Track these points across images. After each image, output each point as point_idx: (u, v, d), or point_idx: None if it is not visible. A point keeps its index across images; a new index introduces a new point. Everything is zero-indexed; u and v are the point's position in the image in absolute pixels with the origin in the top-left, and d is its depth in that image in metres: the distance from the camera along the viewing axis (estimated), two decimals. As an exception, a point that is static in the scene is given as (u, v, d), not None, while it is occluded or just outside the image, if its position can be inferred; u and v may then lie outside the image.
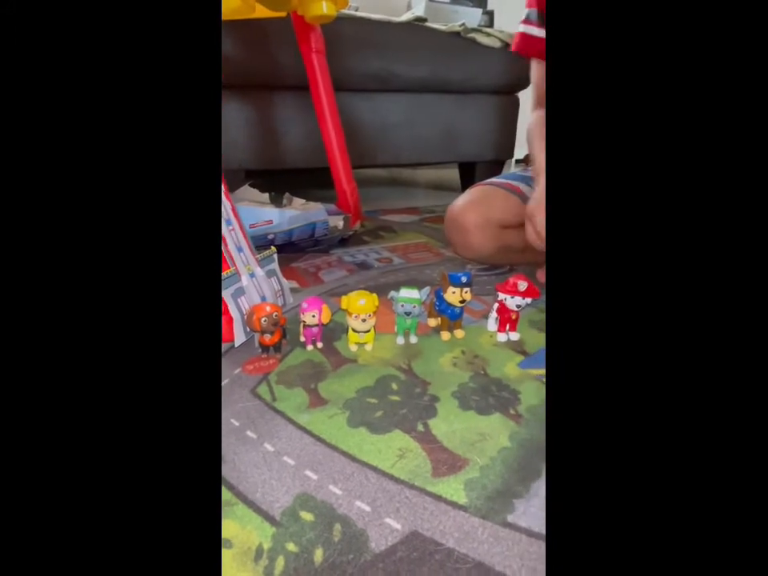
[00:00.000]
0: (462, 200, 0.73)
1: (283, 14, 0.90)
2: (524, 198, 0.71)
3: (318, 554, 0.27)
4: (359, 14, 1.28)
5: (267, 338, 0.49)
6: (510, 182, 0.75)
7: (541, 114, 0.71)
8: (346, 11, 1.22)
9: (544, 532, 0.29)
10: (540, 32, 0.69)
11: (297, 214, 0.86)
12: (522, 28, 0.71)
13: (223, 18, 0.94)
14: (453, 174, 1.74)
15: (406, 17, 1.34)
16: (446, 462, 0.35)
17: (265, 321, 0.47)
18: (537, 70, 0.73)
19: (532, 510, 0.30)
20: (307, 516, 0.30)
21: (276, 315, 0.47)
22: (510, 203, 0.72)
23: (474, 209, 0.71)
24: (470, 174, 1.58)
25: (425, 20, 1.33)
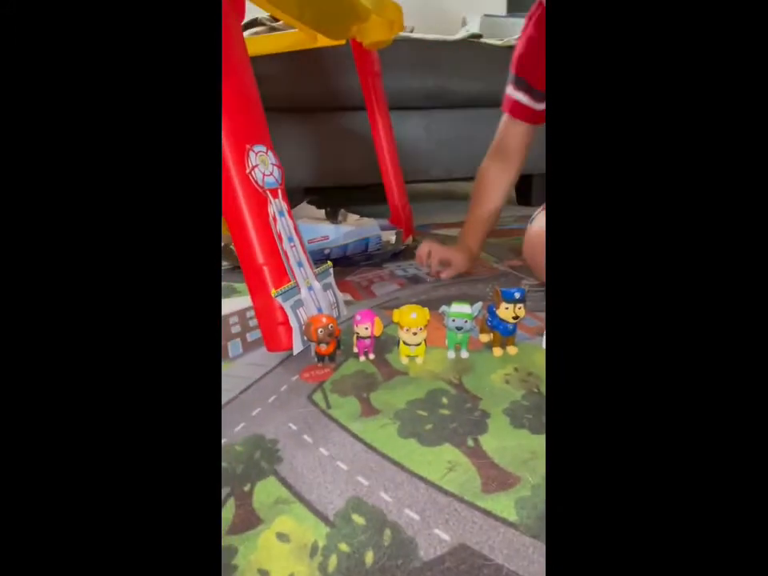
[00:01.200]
0: (543, 222, 0.72)
1: (343, 42, 0.96)
2: None
3: (369, 556, 0.28)
4: (414, 35, 1.32)
5: (323, 347, 0.51)
6: None
7: (490, 165, 0.80)
8: (401, 33, 1.26)
9: (598, 558, 0.28)
10: (521, 97, 0.73)
11: (351, 229, 0.90)
12: (507, 90, 0.76)
13: (287, 49, 1.02)
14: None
15: (461, 34, 1.36)
16: (497, 478, 0.35)
17: (321, 331, 0.50)
18: (507, 126, 0.78)
19: (586, 534, 0.29)
20: (359, 519, 0.31)
21: (331, 326, 0.50)
22: None
23: None
24: (526, 187, 1.55)
25: (480, 36, 1.35)
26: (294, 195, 1.22)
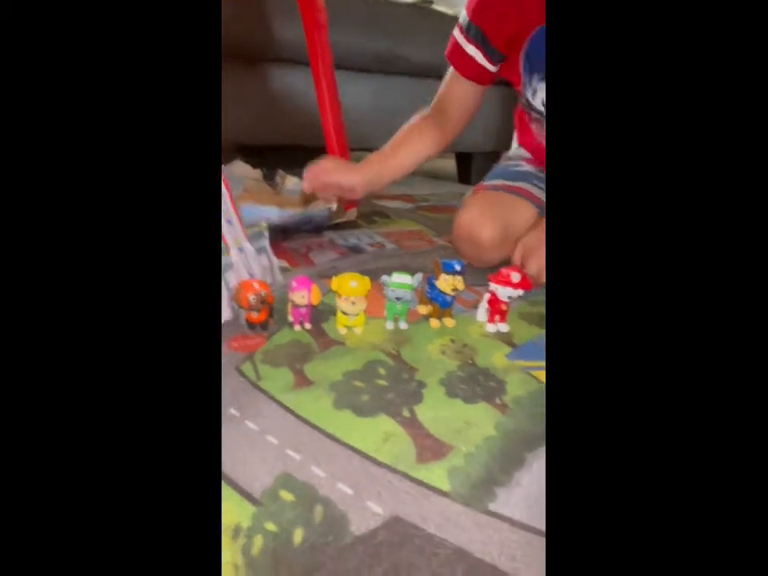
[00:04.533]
0: (474, 210, 0.66)
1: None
2: (539, 205, 0.68)
3: (298, 535, 0.27)
4: (365, -10, 1.24)
5: (254, 315, 0.47)
6: (518, 185, 0.69)
7: (422, 119, 0.67)
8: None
9: (525, 521, 0.29)
10: (473, 51, 0.61)
11: (297, 214, 0.83)
12: (456, 34, 0.62)
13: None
14: (450, 164, 1.72)
15: (412, -3, 1.31)
16: (431, 448, 0.35)
17: (252, 298, 0.46)
18: (452, 81, 0.65)
19: (514, 500, 0.30)
20: (288, 496, 0.29)
21: (264, 293, 0.46)
22: (529, 215, 0.66)
23: (490, 223, 0.63)
24: (466, 165, 1.56)
25: (431, 2, 1.30)
26: (226, 152, 1.12)
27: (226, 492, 0.29)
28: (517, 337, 0.53)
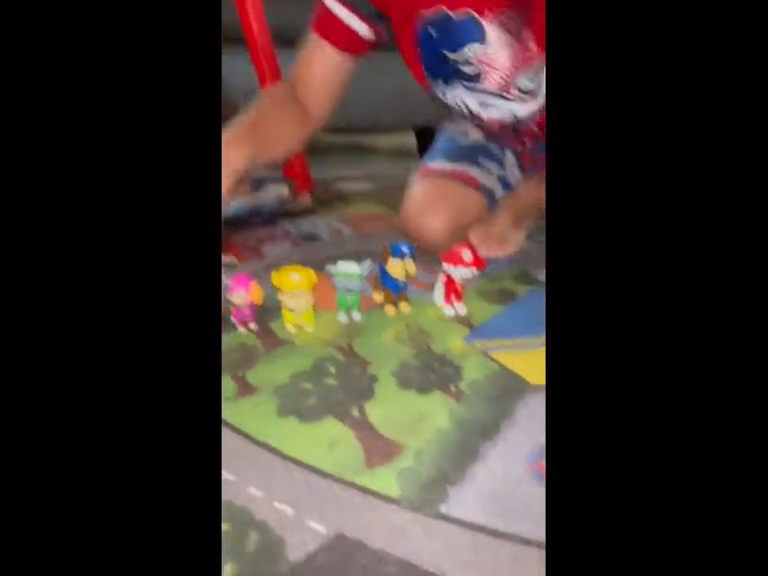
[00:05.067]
0: (420, 199, 0.61)
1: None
2: (487, 194, 0.63)
3: (228, 570, 0.24)
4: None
5: None
6: (463, 169, 0.63)
7: (276, 88, 0.56)
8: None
9: (476, 521, 0.27)
10: (344, 12, 0.50)
11: (244, 203, 0.78)
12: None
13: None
14: (410, 140, 1.67)
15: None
16: (380, 450, 0.32)
17: None
18: (312, 49, 0.53)
19: (466, 498, 0.28)
20: (222, 526, 0.27)
21: None
22: (477, 207, 0.62)
23: (438, 216, 0.58)
24: (428, 139, 1.52)
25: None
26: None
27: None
28: (475, 317, 0.51)
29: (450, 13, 0.48)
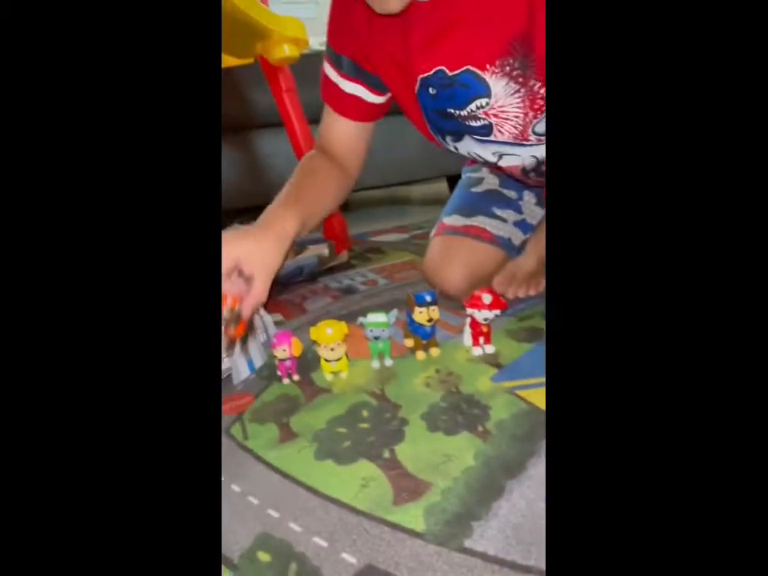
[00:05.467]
0: (436, 256, 0.64)
1: (251, 60, 0.95)
2: (503, 243, 0.64)
3: (271, 596, 0.27)
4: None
5: (231, 330, 0.46)
6: (476, 224, 0.65)
7: (311, 156, 0.58)
8: (316, 47, 1.27)
9: (500, 554, 0.28)
10: (349, 86, 0.52)
11: (287, 265, 0.86)
12: (327, 70, 0.54)
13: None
14: (443, 188, 1.75)
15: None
16: (408, 488, 0.34)
17: (227, 313, 0.45)
18: (327, 119, 0.57)
19: (490, 533, 0.30)
20: (264, 557, 0.30)
21: (238, 308, 0.46)
22: (495, 258, 0.64)
23: (456, 270, 0.61)
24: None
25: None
26: (223, 218, 1.19)
27: (206, 560, 0.30)
28: (503, 357, 0.52)
29: (450, 73, 0.48)
